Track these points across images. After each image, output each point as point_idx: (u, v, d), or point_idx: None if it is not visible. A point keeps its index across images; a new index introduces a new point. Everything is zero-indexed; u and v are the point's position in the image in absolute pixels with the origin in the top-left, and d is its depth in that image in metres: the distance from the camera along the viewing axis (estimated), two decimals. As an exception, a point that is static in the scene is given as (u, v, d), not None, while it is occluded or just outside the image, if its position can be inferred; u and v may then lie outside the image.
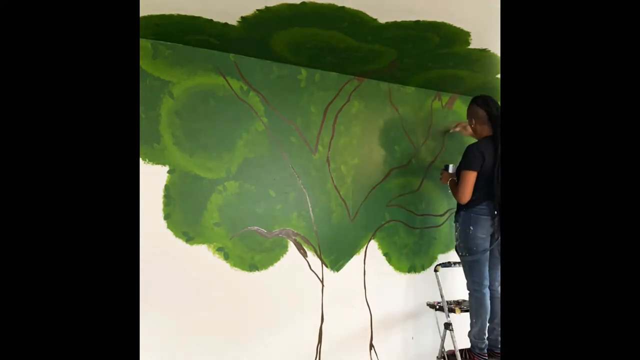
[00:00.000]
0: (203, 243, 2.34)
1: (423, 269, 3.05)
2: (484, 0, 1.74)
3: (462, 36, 2.09)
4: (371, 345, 2.83)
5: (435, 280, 2.73)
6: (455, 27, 1.99)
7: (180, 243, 2.28)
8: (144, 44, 2.18)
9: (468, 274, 2.51)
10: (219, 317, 2.38)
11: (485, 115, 2.47)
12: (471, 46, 2.21)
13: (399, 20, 1.92)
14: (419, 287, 3.01)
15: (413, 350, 3.00)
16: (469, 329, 2.55)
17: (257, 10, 1.84)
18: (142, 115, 2.17)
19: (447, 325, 2.63)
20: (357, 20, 1.92)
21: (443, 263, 2.82)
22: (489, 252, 2.45)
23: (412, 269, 3.01)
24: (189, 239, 2.31)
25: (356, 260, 2.78)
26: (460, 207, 2.50)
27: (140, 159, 2.18)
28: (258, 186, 2.48)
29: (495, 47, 2.24)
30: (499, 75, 2.71)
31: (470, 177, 2.38)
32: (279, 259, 2.54)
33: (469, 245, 2.44)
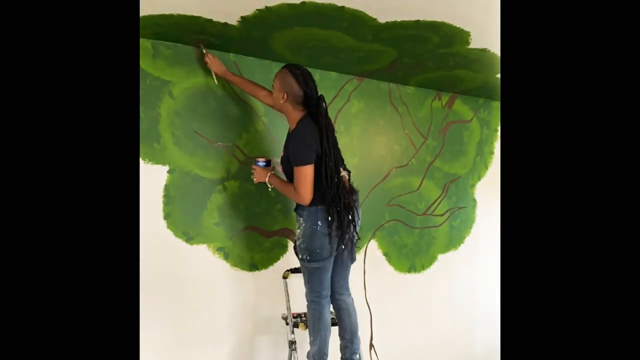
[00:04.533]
0: (203, 243, 2.34)
1: (423, 268, 3.05)
2: (484, 0, 1.74)
3: (462, 36, 2.09)
4: (371, 345, 2.82)
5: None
6: (455, 27, 1.99)
7: (180, 243, 2.28)
8: (144, 44, 2.18)
9: (307, 281, 2.08)
10: (219, 316, 2.37)
11: (302, 96, 1.98)
12: (471, 46, 2.21)
13: (399, 20, 1.92)
14: (419, 286, 3.01)
15: (413, 350, 3.00)
16: (308, 348, 2.17)
17: (257, 10, 1.84)
18: (142, 115, 2.17)
19: (291, 344, 2.25)
20: (357, 20, 1.92)
21: (293, 268, 2.37)
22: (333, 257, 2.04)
23: (412, 269, 3.01)
24: (189, 238, 2.31)
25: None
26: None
27: (140, 158, 2.18)
28: (258, 186, 2.47)
29: (495, 47, 2.24)
30: (499, 75, 2.71)
31: (309, 172, 1.91)
32: (279, 259, 2.54)
33: (313, 247, 1.97)
